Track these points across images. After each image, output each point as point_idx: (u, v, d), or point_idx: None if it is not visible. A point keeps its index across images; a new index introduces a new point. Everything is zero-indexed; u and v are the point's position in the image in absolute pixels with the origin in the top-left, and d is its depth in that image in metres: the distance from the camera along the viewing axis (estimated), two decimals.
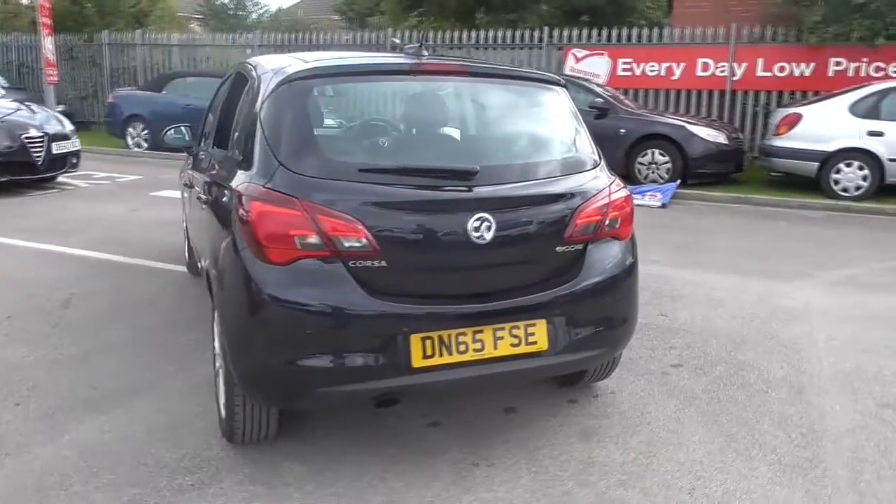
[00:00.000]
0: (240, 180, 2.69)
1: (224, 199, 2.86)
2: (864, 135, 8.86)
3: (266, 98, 2.76)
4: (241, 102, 3.19)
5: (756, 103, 11.77)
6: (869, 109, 8.95)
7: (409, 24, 15.09)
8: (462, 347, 2.66)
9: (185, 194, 4.86)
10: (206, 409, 3.21)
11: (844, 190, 9.04)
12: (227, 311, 2.65)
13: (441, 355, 2.62)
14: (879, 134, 8.82)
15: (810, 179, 9.26)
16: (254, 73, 3.09)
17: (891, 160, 8.77)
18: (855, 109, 9.01)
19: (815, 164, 9.13)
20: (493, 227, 2.63)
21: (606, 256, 2.96)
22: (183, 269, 5.53)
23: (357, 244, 2.50)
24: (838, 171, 9.05)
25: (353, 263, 2.52)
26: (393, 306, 2.55)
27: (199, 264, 4.22)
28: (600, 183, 2.98)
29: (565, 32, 12.99)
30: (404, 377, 2.59)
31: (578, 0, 15.89)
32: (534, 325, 2.76)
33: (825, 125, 9.14)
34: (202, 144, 4.51)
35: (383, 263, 2.54)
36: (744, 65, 11.76)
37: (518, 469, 2.84)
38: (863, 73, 10.97)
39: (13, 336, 4.14)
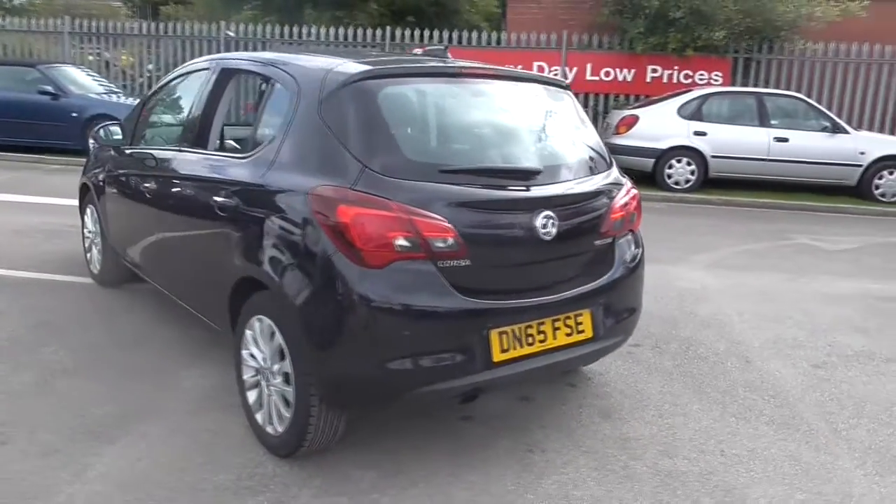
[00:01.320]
0: (311, 183, 2.56)
1: (274, 203, 2.71)
2: (691, 134, 10.12)
3: (327, 99, 2.65)
4: (266, 104, 3.02)
5: (586, 105, 12.87)
6: (693, 112, 10.23)
7: (244, 18, 14.43)
8: (530, 339, 2.78)
9: (110, 199, 4.38)
10: (221, 426, 3.06)
11: (676, 183, 10.25)
12: (312, 318, 2.51)
13: (515, 348, 2.72)
14: (703, 133, 10.12)
15: (647, 174, 10.37)
16: (286, 73, 2.92)
17: (713, 157, 10.11)
18: (682, 112, 10.25)
19: (651, 161, 10.25)
20: (556, 223, 2.78)
21: (628, 249, 3.24)
22: (87, 280, 4.96)
23: (447, 244, 2.52)
24: (671, 167, 10.24)
25: (442, 263, 2.53)
26: (478, 303, 2.60)
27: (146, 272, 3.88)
28: (621, 180, 3.24)
29: (407, 32, 13.22)
30: (487, 372, 2.66)
31: (404, 0, 16.20)
32: (581, 314, 2.95)
33: (658, 125, 10.28)
34: (143, 144, 4.14)
35: (467, 262, 2.58)
36: (574, 69, 12.81)
37: (569, 452, 3.02)
38: (675, 80, 12.45)
39: None
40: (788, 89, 11.89)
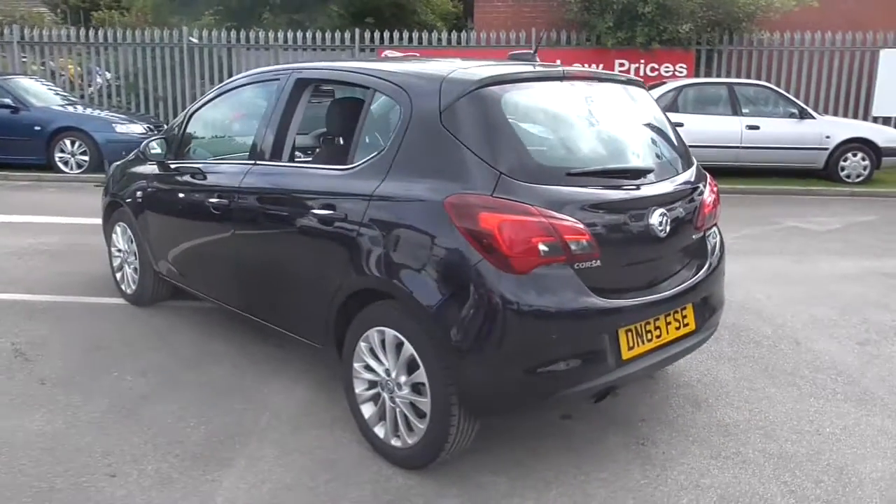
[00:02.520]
0: (443, 192, 2.54)
1: (397, 214, 2.68)
2: None
3: (449, 107, 2.63)
4: (366, 114, 2.98)
5: None
6: (670, 103, 10.48)
7: (205, 24, 14.04)
8: (649, 335, 2.83)
9: (155, 217, 4.23)
10: (330, 442, 3.02)
11: None
12: (458, 328, 2.49)
13: (638, 345, 2.77)
14: (680, 125, 10.34)
15: None
16: (389, 83, 2.88)
17: (690, 146, 10.36)
18: (659, 103, 10.44)
19: None
20: (669, 220, 2.85)
21: (716, 243, 3.33)
22: (119, 300, 4.78)
23: (583, 246, 2.55)
24: None
25: (578, 266, 2.56)
26: (610, 303, 2.64)
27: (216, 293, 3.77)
28: (704, 174, 3.32)
29: (376, 34, 13.13)
30: (618, 370, 2.70)
31: (363, 2, 16.07)
32: (685, 308, 3.02)
33: None
34: (192, 158, 4.03)
35: (598, 263, 2.61)
36: None
37: (679, 442, 3.08)
38: (641, 73, 12.74)
39: None
40: (749, 78, 12.33)
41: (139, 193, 4.36)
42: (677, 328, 2.97)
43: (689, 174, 3.18)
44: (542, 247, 2.46)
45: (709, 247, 3.25)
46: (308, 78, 3.36)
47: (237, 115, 3.93)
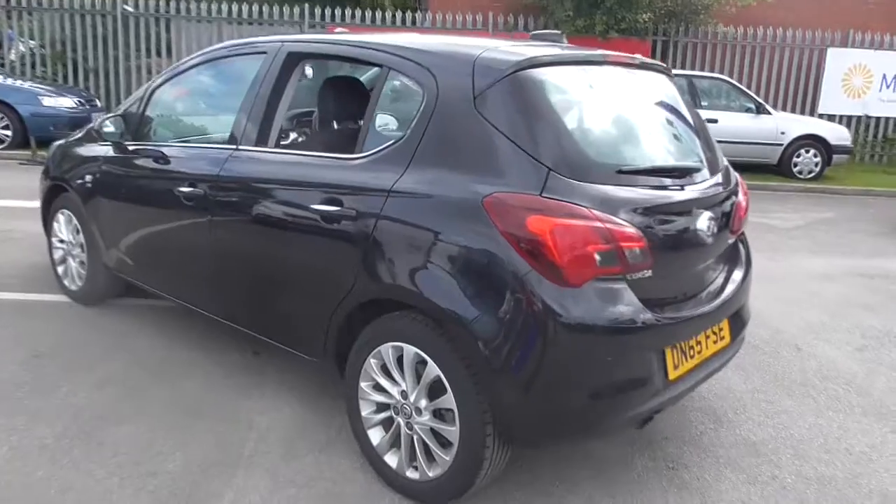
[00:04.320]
0: (481, 190, 2.19)
1: (424, 213, 2.31)
2: None
3: (486, 91, 2.27)
4: (379, 96, 2.58)
5: None
6: None
7: None
8: (692, 352, 2.57)
9: (110, 205, 3.72)
10: (329, 471, 2.63)
11: None
12: (500, 349, 2.15)
13: (682, 363, 2.50)
14: None
15: None
16: (409, 61, 2.48)
17: None
18: None
19: None
20: (715, 224, 2.58)
21: (746, 248, 3.09)
22: (62, 298, 4.23)
23: (638, 255, 2.25)
24: None
25: (631, 276, 2.26)
26: (661, 318, 2.35)
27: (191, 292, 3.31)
28: (735, 175, 3.07)
29: (327, 11, 12.55)
30: (666, 391, 2.42)
31: None
32: (722, 320, 2.77)
33: None
34: (156, 140, 3.54)
35: (649, 273, 2.32)
36: None
37: (710, 465, 2.84)
38: None
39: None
40: (703, 70, 12.36)
41: (89, 178, 3.82)
42: (715, 342, 2.71)
43: (725, 173, 2.92)
44: (597, 256, 2.14)
45: (742, 253, 3.01)
46: (302, 52, 2.92)
47: (212, 92, 3.45)
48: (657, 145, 2.68)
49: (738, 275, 2.89)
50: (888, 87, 12.81)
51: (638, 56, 2.87)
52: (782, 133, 10.61)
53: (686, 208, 2.49)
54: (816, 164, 10.67)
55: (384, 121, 2.65)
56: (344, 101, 3.04)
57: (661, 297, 2.40)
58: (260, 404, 3.09)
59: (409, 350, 2.37)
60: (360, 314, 2.53)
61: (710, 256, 2.68)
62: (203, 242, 3.12)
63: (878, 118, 12.99)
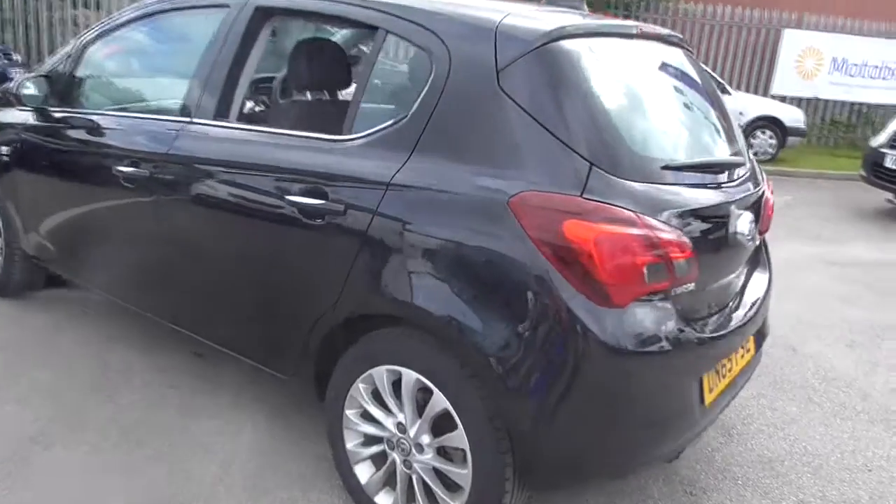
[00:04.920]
0: (507, 186, 1.79)
1: (431, 212, 1.90)
2: None
3: (512, 65, 1.86)
4: (374, 64, 2.13)
5: None
6: None
7: None
8: (724, 371, 2.26)
9: (32, 182, 3.16)
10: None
11: None
12: (527, 379, 1.78)
13: (716, 385, 2.20)
14: None
15: None
16: (414, 24, 2.04)
17: None
18: None
19: None
20: (755, 225, 2.27)
21: (766, 249, 2.80)
22: None
23: (684, 267, 1.90)
24: None
25: (675, 291, 1.91)
26: (703, 337, 2.02)
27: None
28: (760, 169, 2.76)
29: None
30: (702, 419, 2.11)
31: None
32: (753, 331, 2.48)
33: None
34: (89, 106, 2.99)
35: (692, 286, 1.98)
36: None
37: (730, 489, 2.57)
38: None
39: None
40: None
41: (5, 149, 3.24)
42: (742, 356, 2.42)
43: (752, 166, 2.60)
44: (646, 270, 1.78)
45: (766, 255, 2.72)
46: (274, 7, 2.43)
47: (159, 51, 2.92)
48: (698, 136, 2.33)
49: (763, 280, 2.60)
50: (838, 70, 12.91)
51: (667, 29, 2.49)
52: (741, 114, 10.51)
53: (729, 209, 2.15)
54: (772, 146, 10.65)
55: (381, 95, 2.20)
56: (323, 68, 2.57)
57: (700, 312, 2.08)
58: (215, 423, 2.65)
59: (410, 376, 1.97)
60: (348, 329, 2.11)
61: (743, 262, 2.37)
62: (146, 233, 2.63)
63: (826, 101, 13.10)
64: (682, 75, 2.39)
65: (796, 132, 10.72)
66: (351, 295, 2.04)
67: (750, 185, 2.36)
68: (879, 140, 7.97)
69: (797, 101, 12.64)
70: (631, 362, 1.82)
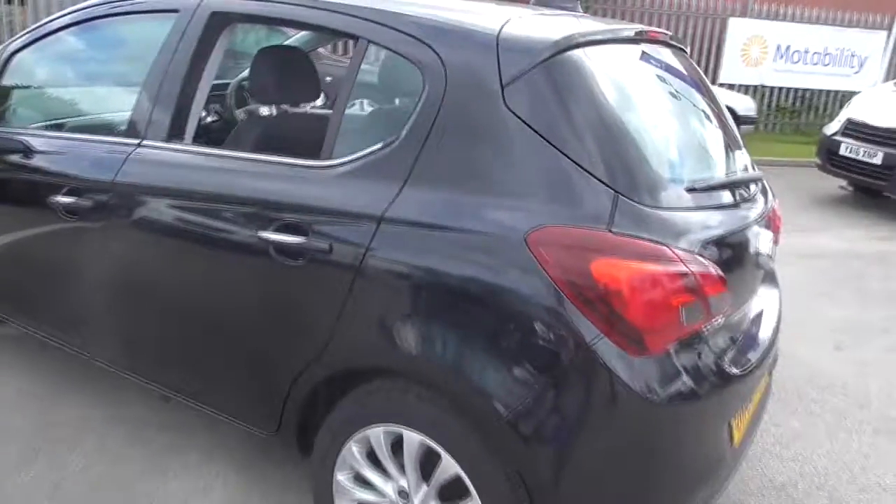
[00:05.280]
0: (523, 220, 1.55)
1: (434, 250, 1.64)
2: None
3: (518, 80, 1.62)
4: (353, 80, 1.85)
5: None
6: None
7: None
8: (747, 403, 2.08)
9: None
10: None
11: None
12: (551, 441, 1.55)
13: (741, 419, 2.01)
14: None
15: None
16: (403, 33, 1.77)
17: None
18: None
19: None
20: (772, 243, 2.09)
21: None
22: None
23: (719, 301, 1.70)
24: None
25: (707, 328, 1.71)
26: (733, 375, 1.83)
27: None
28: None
29: None
30: (734, 461, 1.93)
31: None
32: (772, 356, 2.31)
33: None
34: (19, 124, 2.63)
35: (722, 320, 1.78)
36: None
37: None
38: None
39: None
40: None
41: None
42: (760, 385, 2.24)
43: (756, 175, 2.42)
44: (683, 311, 1.57)
45: (776, 273, 2.55)
46: (233, 12, 2.12)
47: (101, 62, 2.57)
48: (713, 150, 2.12)
49: (775, 298, 2.43)
50: (782, 57, 13.07)
51: (666, 31, 2.28)
52: None
53: (752, 229, 1.96)
54: None
55: (361, 115, 1.93)
56: (291, 80, 2.28)
57: (728, 347, 1.88)
58: (184, 484, 2.35)
59: (413, 437, 1.72)
60: (336, 382, 1.84)
61: (761, 282, 2.19)
62: (94, 273, 2.30)
63: (772, 88, 13.26)
64: (687, 82, 2.17)
65: (748, 120, 10.76)
66: (340, 344, 1.78)
67: (762, 198, 2.18)
68: (833, 128, 8.03)
69: (744, 89, 12.76)
70: (664, 412, 1.60)
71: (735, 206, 1.96)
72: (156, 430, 2.61)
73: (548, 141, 1.59)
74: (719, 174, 2.01)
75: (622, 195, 1.56)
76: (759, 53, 13.15)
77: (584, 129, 1.61)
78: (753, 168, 2.34)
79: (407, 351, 1.67)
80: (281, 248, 1.82)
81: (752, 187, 2.10)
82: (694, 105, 2.14)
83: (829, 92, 13.13)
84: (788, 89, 13.51)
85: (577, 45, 1.70)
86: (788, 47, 13.28)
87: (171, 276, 2.14)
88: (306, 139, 1.94)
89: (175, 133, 2.14)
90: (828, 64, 13.56)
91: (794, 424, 3.07)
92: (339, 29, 1.91)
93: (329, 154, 1.84)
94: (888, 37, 13.45)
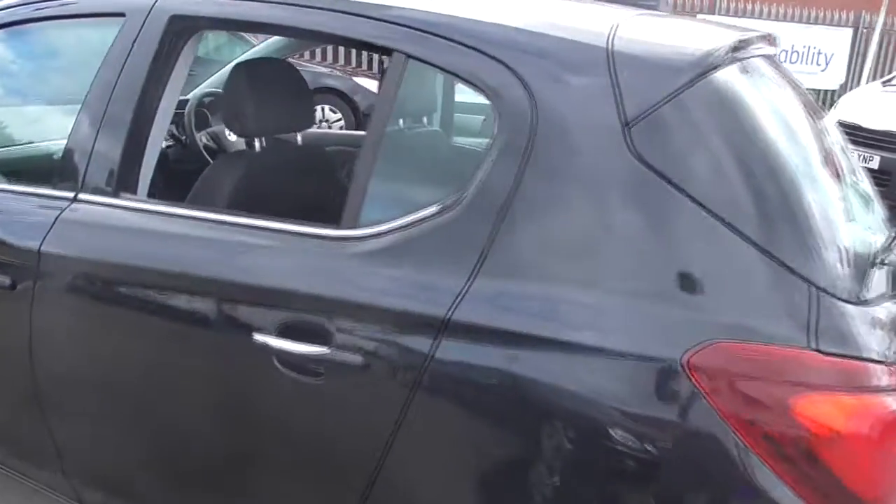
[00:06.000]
0: (676, 330, 1.02)
1: (537, 374, 1.09)
2: None
3: (654, 114, 1.08)
4: (388, 111, 1.28)
5: None
6: None
7: None
8: None
9: None
10: None
11: None
12: None
13: None
14: None
15: None
16: (455, 46, 1.20)
17: None
18: None
19: None
20: None
21: None
22: None
23: None
24: None
25: None
26: None
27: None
28: None
29: None
30: None
31: None
32: None
33: None
34: None
35: None
36: None
37: None
38: None
39: None
40: None
41: None
42: None
43: None
44: None
45: None
46: (200, 16, 1.52)
47: (21, 81, 1.91)
48: (865, 205, 1.56)
49: None
50: None
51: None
52: None
53: None
54: None
55: (402, 163, 1.37)
56: (279, 105, 1.70)
57: None
58: None
59: None
60: None
61: None
62: (16, 371, 1.68)
63: None
64: (809, 107, 1.63)
65: None
66: (384, 500, 1.21)
67: None
68: None
69: None
70: None
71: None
72: None
73: (702, 206, 1.05)
74: (878, 236, 1.47)
75: (822, 290, 1.04)
76: None
77: (755, 188, 1.08)
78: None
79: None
80: (289, 360, 1.24)
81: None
82: (823, 141, 1.61)
83: None
84: None
85: (724, 63, 1.16)
86: None
87: (119, 395, 1.53)
88: (315, 193, 1.37)
89: (123, 183, 1.53)
90: (795, 62, 13.49)
91: None
92: (366, 40, 1.33)
93: (354, 220, 1.27)
94: (855, 34, 13.46)
